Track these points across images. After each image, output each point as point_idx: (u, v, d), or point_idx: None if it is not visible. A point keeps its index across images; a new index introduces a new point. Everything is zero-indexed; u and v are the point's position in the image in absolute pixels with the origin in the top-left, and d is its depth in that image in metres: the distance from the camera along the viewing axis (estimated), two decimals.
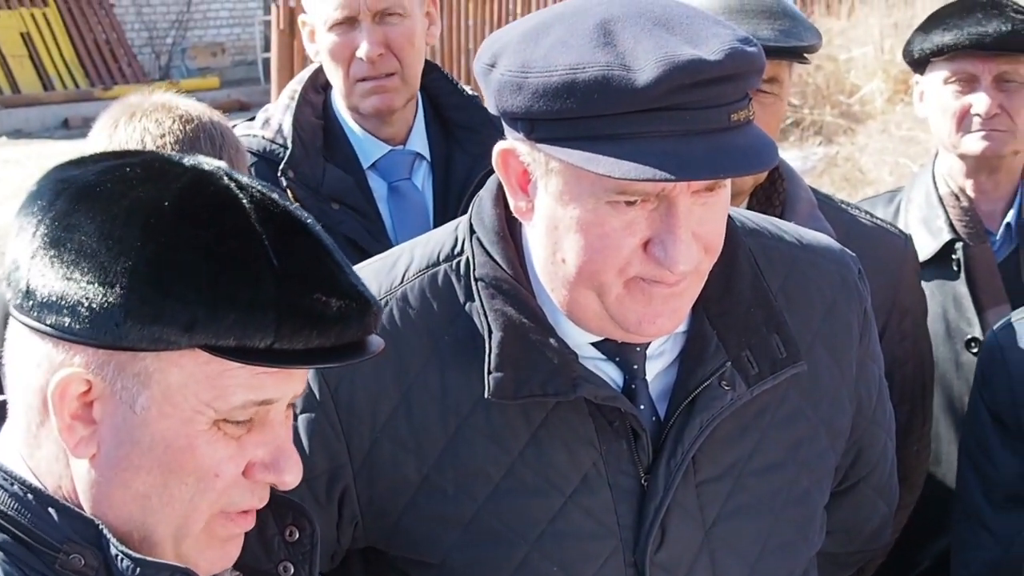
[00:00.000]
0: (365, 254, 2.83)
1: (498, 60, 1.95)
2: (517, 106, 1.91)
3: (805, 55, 2.88)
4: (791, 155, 11.63)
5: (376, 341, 1.72)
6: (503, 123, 2.00)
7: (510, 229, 2.11)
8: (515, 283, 2.07)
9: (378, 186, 3.37)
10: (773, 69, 2.85)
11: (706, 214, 1.95)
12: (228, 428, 1.65)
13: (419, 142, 3.42)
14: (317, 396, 2.10)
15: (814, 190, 3.11)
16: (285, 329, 1.59)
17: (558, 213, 1.96)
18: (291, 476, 1.71)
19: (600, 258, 1.94)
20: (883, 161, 11.31)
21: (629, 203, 1.91)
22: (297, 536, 1.84)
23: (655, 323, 2.00)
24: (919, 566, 3.50)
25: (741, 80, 1.89)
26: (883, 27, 14.49)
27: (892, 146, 11.66)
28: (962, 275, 3.50)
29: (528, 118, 1.91)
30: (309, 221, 1.69)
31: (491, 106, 1.99)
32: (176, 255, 1.57)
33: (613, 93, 1.84)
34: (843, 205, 3.21)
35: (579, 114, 1.86)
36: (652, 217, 1.92)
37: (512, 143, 2.00)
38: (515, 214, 2.06)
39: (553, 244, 1.99)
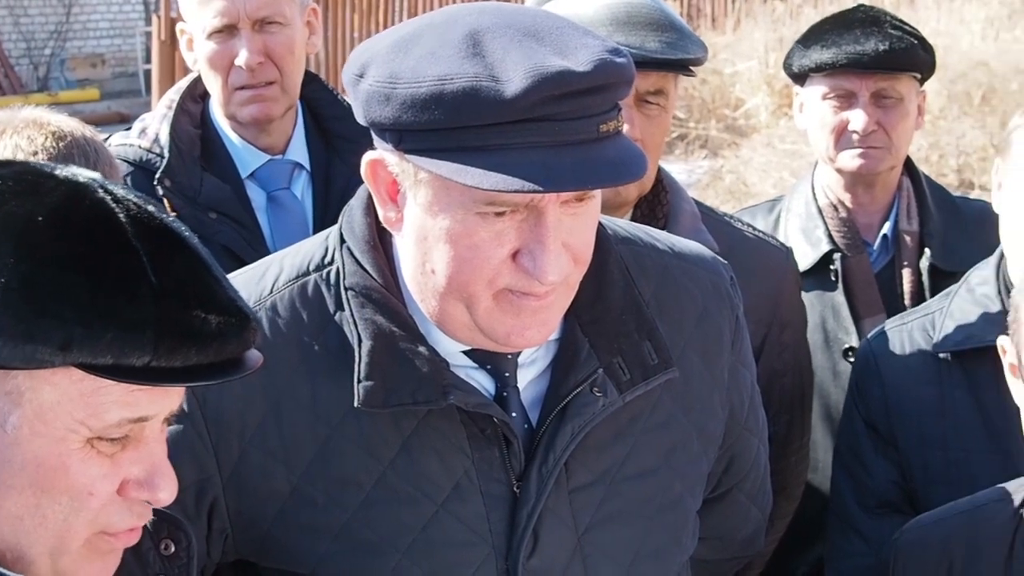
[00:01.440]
0: (243, 264, 2.79)
1: (367, 70, 1.94)
2: (385, 117, 1.90)
3: (691, 68, 2.88)
4: (676, 168, 11.73)
5: (254, 356, 1.70)
6: (372, 133, 1.99)
7: (380, 238, 2.10)
8: (385, 292, 2.06)
9: (257, 196, 3.35)
10: (659, 81, 2.86)
11: (575, 224, 1.95)
12: (102, 446, 1.62)
13: (299, 152, 3.41)
14: (185, 408, 2.05)
15: (698, 203, 3.11)
16: (163, 347, 1.57)
17: (427, 224, 1.95)
18: (166, 493, 1.69)
19: (469, 269, 1.94)
20: (767, 174, 11.43)
21: (498, 214, 1.90)
22: (173, 549, 1.83)
23: (524, 336, 2.00)
24: (795, 574, 3.54)
25: (610, 91, 1.89)
26: (768, 41, 14.67)
27: (776, 160, 11.79)
28: (840, 285, 3.55)
29: (396, 129, 1.90)
30: (187, 235, 1.66)
31: (359, 117, 1.97)
32: (51, 272, 1.54)
33: (481, 104, 1.83)
34: (727, 218, 3.23)
35: (447, 125, 1.85)
36: (521, 228, 1.92)
37: (381, 153, 1.99)
38: (384, 224, 2.04)
39: (422, 255, 1.98)
